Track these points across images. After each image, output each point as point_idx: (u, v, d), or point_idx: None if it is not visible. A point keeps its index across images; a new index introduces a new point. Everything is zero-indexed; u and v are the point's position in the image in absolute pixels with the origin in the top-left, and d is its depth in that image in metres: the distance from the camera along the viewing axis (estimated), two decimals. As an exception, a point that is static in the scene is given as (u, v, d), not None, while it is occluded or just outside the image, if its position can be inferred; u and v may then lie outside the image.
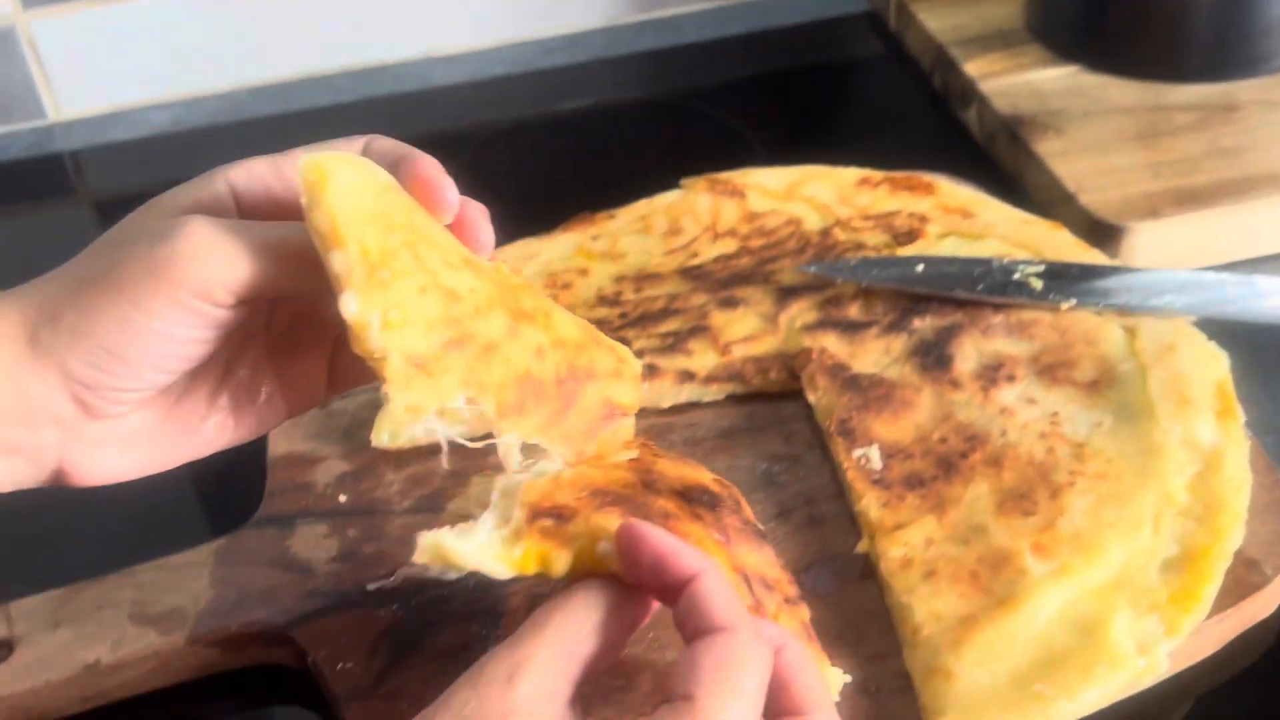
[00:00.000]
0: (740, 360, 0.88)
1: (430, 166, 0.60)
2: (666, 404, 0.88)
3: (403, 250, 0.55)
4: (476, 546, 0.55)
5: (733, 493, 0.65)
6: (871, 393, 0.84)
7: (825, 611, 0.74)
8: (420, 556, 0.56)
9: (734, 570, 0.59)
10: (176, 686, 0.77)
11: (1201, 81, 1.13)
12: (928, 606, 0.71)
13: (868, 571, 0.76)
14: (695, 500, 0.62)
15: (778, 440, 0.86)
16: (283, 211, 0.61)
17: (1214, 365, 0.82)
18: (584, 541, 0.55)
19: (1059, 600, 0.70)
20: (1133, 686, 0.69)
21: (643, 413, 0.86)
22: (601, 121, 1.30)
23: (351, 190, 0.55)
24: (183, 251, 0.56)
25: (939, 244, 0.95)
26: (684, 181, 1.04)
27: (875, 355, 0.87)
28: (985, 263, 0.90)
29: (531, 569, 0.56)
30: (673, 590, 0.53)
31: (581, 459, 0.62)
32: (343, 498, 0.85)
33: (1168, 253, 0.99)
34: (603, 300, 0.94)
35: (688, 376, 0.87)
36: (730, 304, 0.92)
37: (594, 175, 1.21)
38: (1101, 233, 0.99)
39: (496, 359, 0.59)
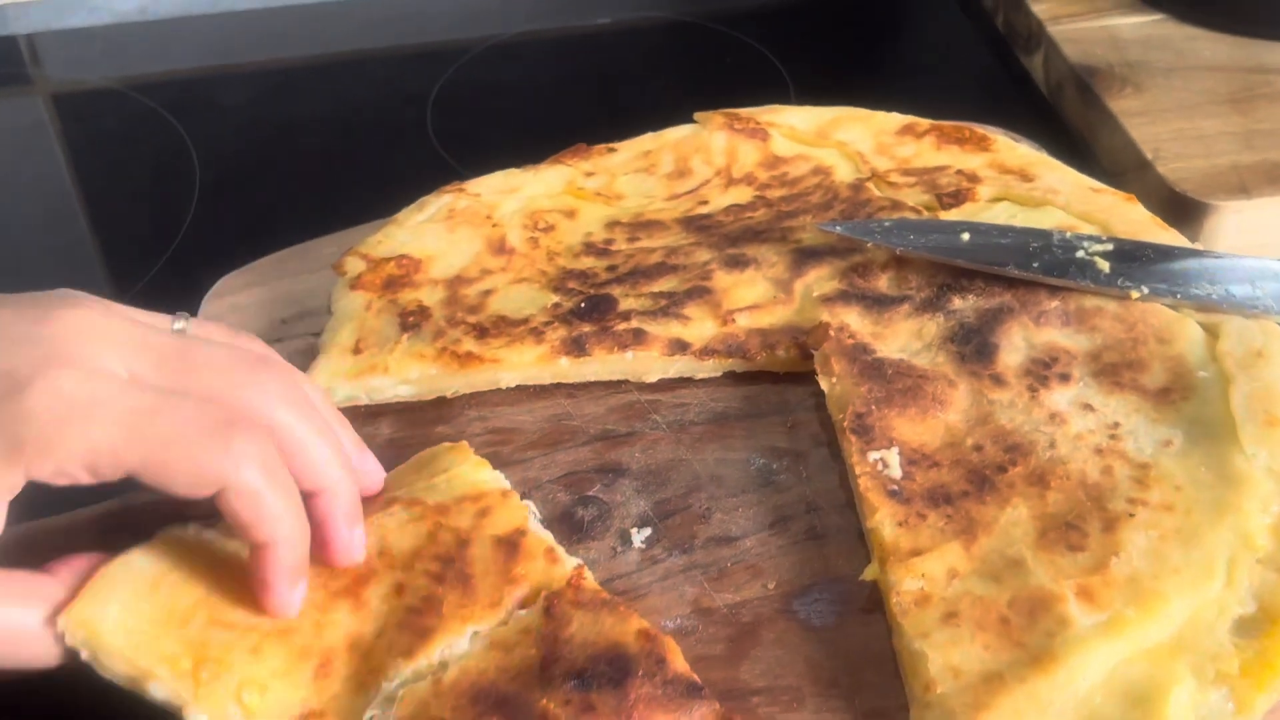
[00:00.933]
0: (744, 332, 0.75)
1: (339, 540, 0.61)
2: (653, 378, 0.75)
3: (209, 630, 0.58)
4: None
5: (657, 647, 0.58)
6: (896, 383, 0.70)
7: (819, 649, 0.62)
8: None
9: None
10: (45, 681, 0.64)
11: (1308, 41, 0.98)
12: (945, 657, 0.58)
13: (874, 603, 0.63)
14: (596, 679, 0.57)
15: (779, 431, 0.72)
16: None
17: (1312, 379, 0.68)
18: None
19: (1107, 661, 0.58)
20: (1190, 776, 0.56)
21: (624, 386, 0.73)
22: (614, 41, 1.16)
23: (127, 616, 0.57)
24: None
25: (990, 210, 0.81)
26: (698, 115, 0.90)
27: (904, 338, 0.73)
28: (1044, 236, 0.76)
29: None
30: None
31: (518, 605, 0.61)
32: (261, 462, 0.72)
33: (1258, 237, 0.85)
34: (590, 249, 0.81)
35: (680, 347, 0.74)
36: (738, 264, 0.78)
37: (597, 102, 1.09)
38: (1181, 209, 0.85)
39: (372, 637, 0.60)
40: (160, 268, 0.95)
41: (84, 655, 0.57)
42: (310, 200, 1.00)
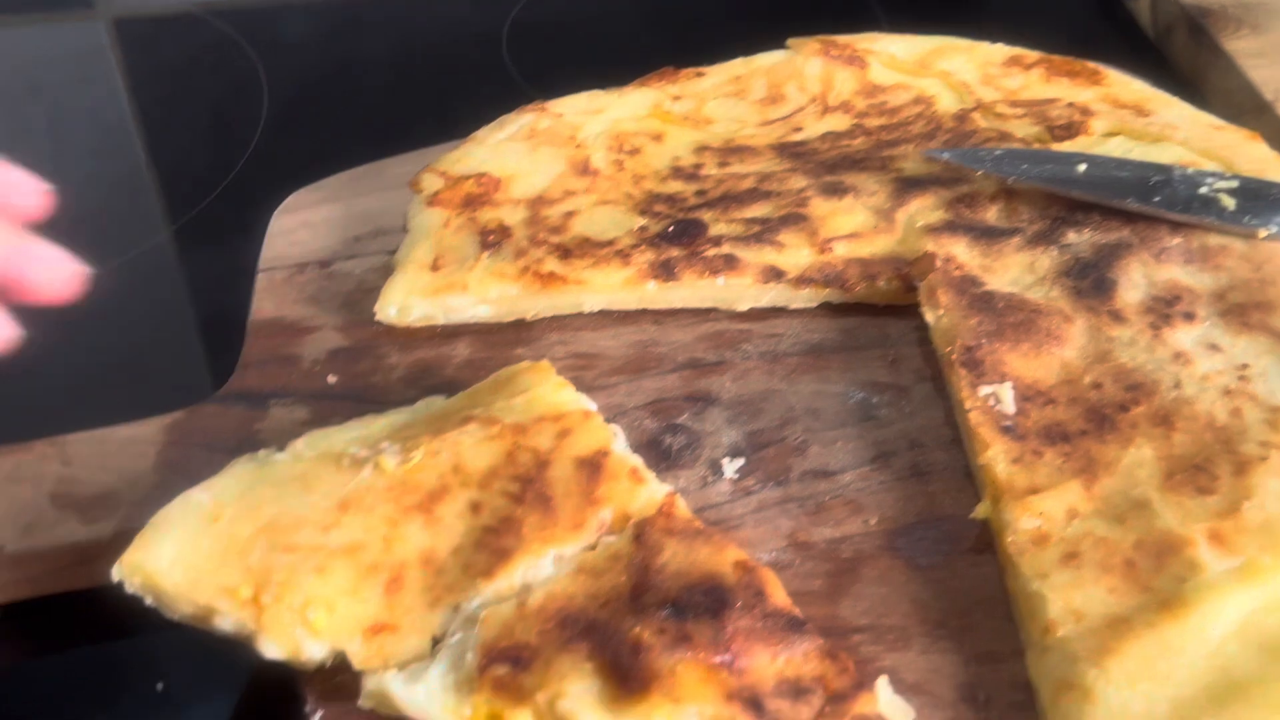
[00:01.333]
0: (842, 261, 0.70)
1: None
2: (744, 306, 0.71)
3: (271, 555, 0.56)
4: (425, 696, 0.53)
5: (755, 578, 0.55)
6: (1008, 317, 0.66)
7: (925, 589, 0.58)
8: (365, 701, 0.54)
9: (729, 699, 0.51)
10: (100, 590, 0.61)
11: None
12: (1066, 600, 0.54)
13: (985, 543, 0.59)
14: (692, 609, 0.53)
15: (880, 365, 0.68)
16: None
17: None
18: (542, 700, 0.51)
19: (1241, 610, 0.54)
20: (1331, 735, 0.51)
21: (713, 315, 0.70)
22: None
23: (184, 553, 0.55)
24: None
25: (1104, 144, 0.76)
26: (791, 41, 0.85)
27: (1016, 271, 0.69)
28: (1164, 170, 0.72)
29: None
30: None
31: (605, 530, 0.57)
32: (332, 378, 0.69)
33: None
34: (678, 172, 0.77)
35: (774, 274, 0.70)
36: (836, 191, 0.74)
37: (677, 33, 1.04)
38: (1303, 153, 0.80)
39: (446, 553, 0.57)
40: (221, 191, 0.91)
41: (148, 601, 0.56)
42: (382, 128, 0.96)
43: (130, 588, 0.55)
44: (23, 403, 0.74)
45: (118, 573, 0.55)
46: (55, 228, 0.53)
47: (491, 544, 0.57)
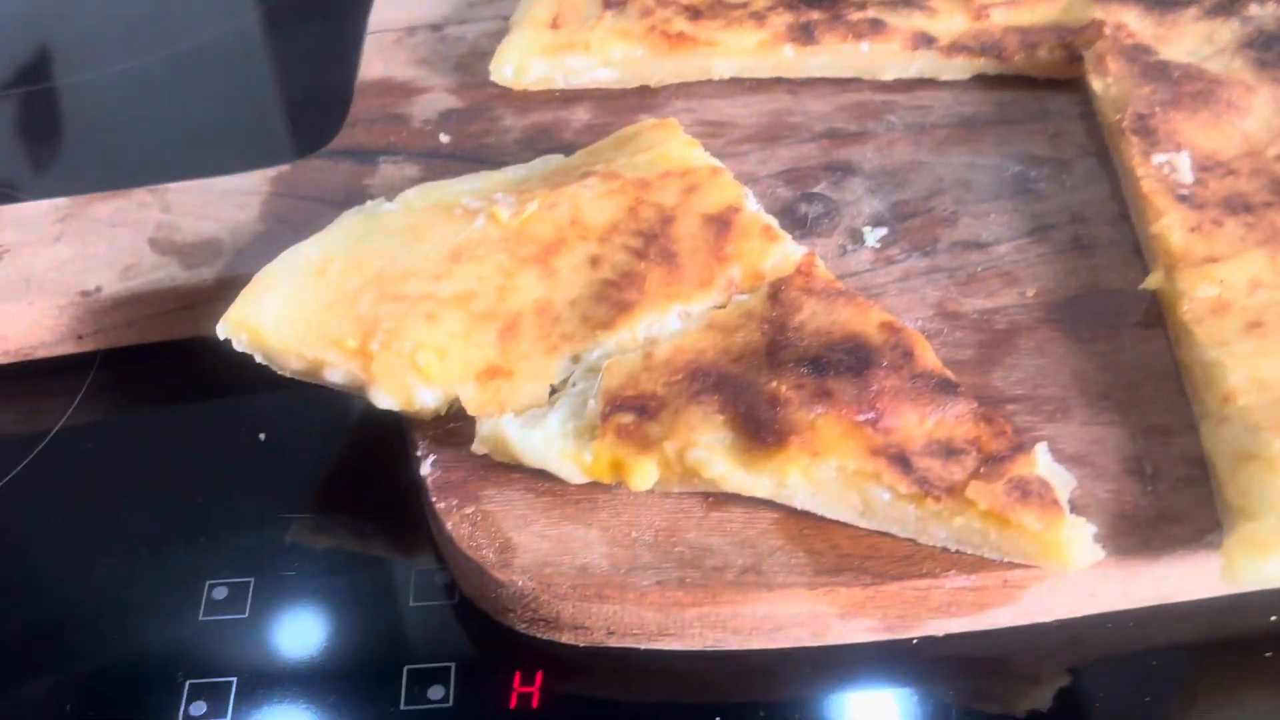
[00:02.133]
0: (1000, 29, 0.65)
1: None
2: (889, 76, 0.65)
3: (379, 305, 0.52)
4: (544, 442, 0.49)
5: (903, 339, 0.50)
6: (1185, 86, 0.60)
7: (1087, 361, 0.53)
8: (479, 446, 0.50)
9: (874, 454, 0.47)
10: (202, 344, 0.57)
11: None
12: (1248, 369, 0.49)
13: (1153, 318, 0.54)
14: (834, 367, 0.49)
15: (1039, 139, 0.63)
16: None
17: None
18: (670, 450, 0.48)
19: None
20: None
21: (854, 85, 0.64)
22: None
23: (290, 308, 0.52)
24: None
25: (1291, -83, 0.69)
26: None
27: (1192, 42, 0.63)
28: (1363, -59, 0.65)
29: (606, 478, 0.49)
30: None
31: (735, 288, 0.53)
32: (444, 138, 0.65)
33: None
34: (817, -61, 0.71)
35: (924, 41, 0.64)
36: (992, -42, 0.67)
37: None
38: None
39: (563, 304, 0.53)
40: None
41: (257, 358, 0.52)
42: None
43: (238, 345, 0.52)
44: (116, 166, 0.71)
45: (223, 330, 0.52)
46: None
47: (612, 297, 0.53)
